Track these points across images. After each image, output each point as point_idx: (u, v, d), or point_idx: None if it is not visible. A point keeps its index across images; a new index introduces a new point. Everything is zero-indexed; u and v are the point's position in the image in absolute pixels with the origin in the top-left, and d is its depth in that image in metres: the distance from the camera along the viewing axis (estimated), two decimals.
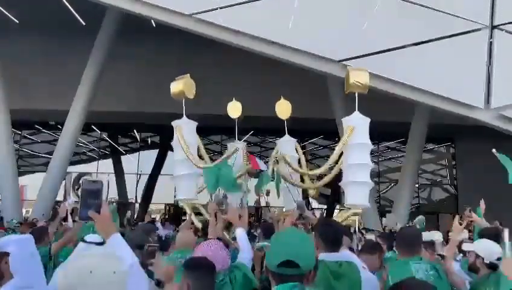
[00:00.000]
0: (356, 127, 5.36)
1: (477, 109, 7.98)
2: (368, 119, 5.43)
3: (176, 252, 3.27)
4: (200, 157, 5.96)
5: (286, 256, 1.62)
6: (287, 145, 6.83)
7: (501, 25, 8.41)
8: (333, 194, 17.56)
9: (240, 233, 3.21)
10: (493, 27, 8.42)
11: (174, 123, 5.83)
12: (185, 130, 5.74)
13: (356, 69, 5.62)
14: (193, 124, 5.92)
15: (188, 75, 5.94)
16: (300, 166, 6.46)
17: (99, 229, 1.63)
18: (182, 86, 5.77)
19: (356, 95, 5.42)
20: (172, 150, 5.96)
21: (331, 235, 2.74)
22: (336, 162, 5.56)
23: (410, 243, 3.09)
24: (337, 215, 5.38)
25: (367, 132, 5.39)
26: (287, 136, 6.91)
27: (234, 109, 6.61)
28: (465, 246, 3.30)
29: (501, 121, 7.88)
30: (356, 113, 5.47)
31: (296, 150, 6.80)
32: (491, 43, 8.29)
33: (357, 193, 5.38)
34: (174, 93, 5.80)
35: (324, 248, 2.67)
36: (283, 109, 6.94)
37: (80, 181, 1.68)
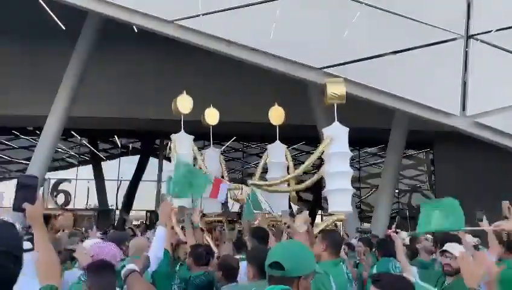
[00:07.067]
0: (335, 136, 5.65)
1: (453, 116, 8.20)
2: (347, 129, 5.72)
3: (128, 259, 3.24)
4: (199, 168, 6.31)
5: (274, 258, 1.71)
6: (277, 151, 6.93)
7: (476, 34, 8.67)
8: (314, 200, 17.66)
9: (158, 232, 3.26)
10: (469, 37, 8.67)
11: (172, 137, 6.20)
12: (178, 144, 6.10)
13: (332, 81, 5.99)
14: (189, 138, 6.24)
15: (184, 92, 6.35)
16: (289, 173, 6.65)
17: (30, 219, 1.71)
18: (176, 104, 6.22)
19: (335, 105, 5.73)
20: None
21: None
22: (314, 168, 5.84)
23: None
24: (322, 221, 5.78)
25: (346, 141, 5.71)
26: (277, 142, 7.01)
27: (211, 116, 6.71)
28: (448, 247, 3.22)
29: (476, 128, 8.11)
30: (335, 124, 5.78)
31: (286, 156, 6.92)
32: (466, 52, 8.53)
33: (340, 199, 5.63)
34: (173, 111, 6.28)
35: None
36: (276, 115, 7.09)
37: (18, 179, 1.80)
